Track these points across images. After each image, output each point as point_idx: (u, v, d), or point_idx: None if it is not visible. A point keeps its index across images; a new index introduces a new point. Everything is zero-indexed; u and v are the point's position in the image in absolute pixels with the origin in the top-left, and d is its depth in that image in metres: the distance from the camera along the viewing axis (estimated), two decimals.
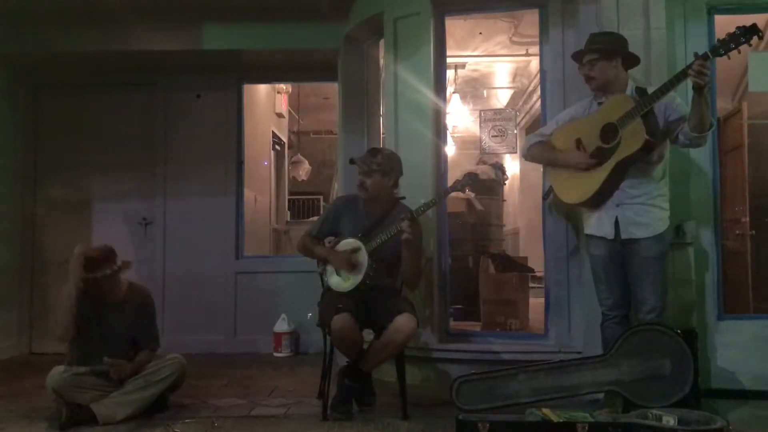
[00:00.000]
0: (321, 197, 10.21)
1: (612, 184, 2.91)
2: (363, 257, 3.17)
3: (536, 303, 4.74)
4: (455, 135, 7.77)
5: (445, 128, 4.09)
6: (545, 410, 2.69)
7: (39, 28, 4.74)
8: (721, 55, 2.59)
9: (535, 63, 5.74)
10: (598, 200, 2.97)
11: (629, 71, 3.03)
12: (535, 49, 4.23)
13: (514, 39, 5.45)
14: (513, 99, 7.62)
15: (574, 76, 3.51)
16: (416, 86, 3.82)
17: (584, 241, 3.25)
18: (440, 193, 3.52)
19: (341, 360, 3.27)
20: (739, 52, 2.61)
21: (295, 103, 8.21)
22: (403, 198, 3.40)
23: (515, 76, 6.91)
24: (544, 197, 3.50)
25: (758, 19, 2.87)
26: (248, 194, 5.54)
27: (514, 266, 5.09)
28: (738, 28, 2.56)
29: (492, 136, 4.76)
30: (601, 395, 3.01)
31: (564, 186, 3.13)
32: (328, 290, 3.32)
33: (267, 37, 4.80)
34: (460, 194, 5.44)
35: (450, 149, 5.94)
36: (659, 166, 2.93)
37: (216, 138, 5.28)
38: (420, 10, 3.83)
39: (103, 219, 5.28)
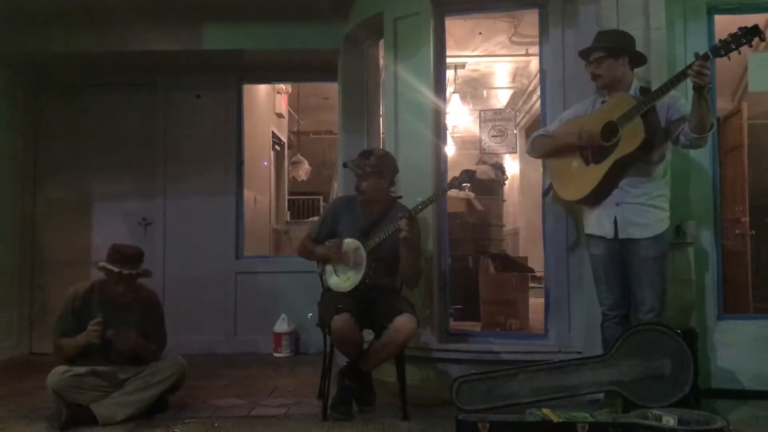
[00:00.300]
0: (321, 197, 10.18)
1: (610, 183, 2.91)
2: (362, 257, 3.17)
3: (536, 303, 4.73)
4: (455, 135, 7.75)
5: (444, 128, 4.09)
6: (545, 410, 2.69)
7: (39, 28, 4.74)
8: (721, 56, 2.58)
9: (535, 63, 5.73)
10: (596, 198, 2.97)
11: (634, 70, 3.02)
12: (535, 49, 4.23)
13: (514, 39, 5.44)
14: (513, 99, 7.61)
15: (574, 76, 3.52)
16: (416, 86, 3.82)
17: (584, 241, 3.25)
18: (438, 191, 3.52)
19: (341, 360, 3.27)
20: (740, 53, 2.61)
21: (295, 103, 8.20)
22: (400, 197, 3.40)
23: (515, 76, 6.89)
24: (544, 194, 3.50)
25: (758, 19, 2.88)
26: (248, 194, 5.54)
27: (514, 266, 5.09)
28: (740, 28, 2.55)
29: (492, 136, 4.76)
30: (601, 395, 3.01)
31: (563, 183, 3.14)
32: (327, 290, 3.32)
33: (267, 37, 4.80)
34: (460, 194, 5.45)
35: (450, 149, 5.93)
36: (660, 166, 2.92)
37: (216, 138, 5.28)
38: (420, 10, 3.83)
39: (103, 219, 5.28)
